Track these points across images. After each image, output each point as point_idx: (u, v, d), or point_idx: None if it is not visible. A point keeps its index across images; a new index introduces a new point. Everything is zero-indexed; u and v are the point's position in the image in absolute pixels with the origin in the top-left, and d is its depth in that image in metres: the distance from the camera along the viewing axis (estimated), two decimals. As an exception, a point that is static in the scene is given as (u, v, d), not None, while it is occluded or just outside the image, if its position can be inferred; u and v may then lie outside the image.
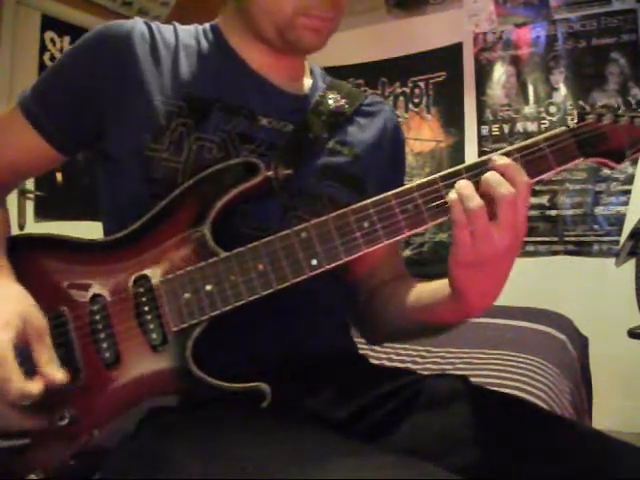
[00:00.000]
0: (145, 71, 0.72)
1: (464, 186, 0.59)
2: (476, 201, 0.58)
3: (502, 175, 0.59)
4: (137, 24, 0.75)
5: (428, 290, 0.73)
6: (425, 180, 0.62)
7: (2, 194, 0.80)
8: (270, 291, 0.61)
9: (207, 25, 0.81)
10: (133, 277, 0.64)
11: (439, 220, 0.62)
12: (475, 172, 0.61)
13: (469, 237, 0.58)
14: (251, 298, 0.61)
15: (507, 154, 0.63)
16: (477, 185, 0.59)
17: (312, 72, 0.86)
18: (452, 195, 0.59)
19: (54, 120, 0.74)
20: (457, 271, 0.62)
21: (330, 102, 0.81)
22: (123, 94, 0.71)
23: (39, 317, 0.61)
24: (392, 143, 0.87)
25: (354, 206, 0.62)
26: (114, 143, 0.72)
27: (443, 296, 0.68)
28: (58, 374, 0.59)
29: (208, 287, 0.62)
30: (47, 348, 0.60)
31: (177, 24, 0.81)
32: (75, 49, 0.75)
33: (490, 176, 0.59)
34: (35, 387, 0.57)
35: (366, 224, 0.62)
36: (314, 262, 0.61)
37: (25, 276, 0.66)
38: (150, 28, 0.76)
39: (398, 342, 1.47)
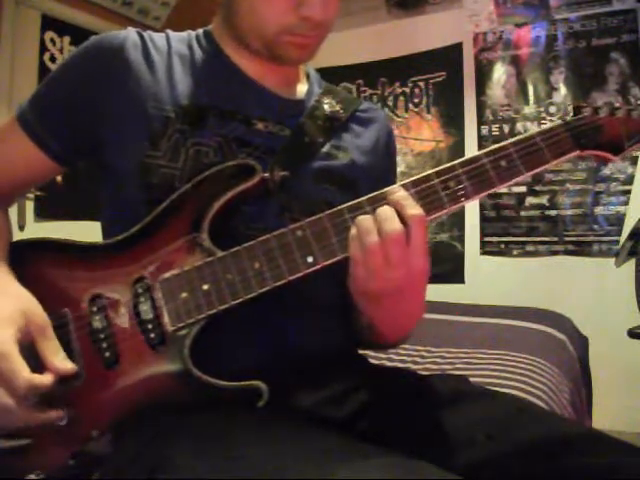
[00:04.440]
0: (139, 80, 0.72)
1: (362, 219, 0.58)
2: (372, 237, 0.56)
3: (395, 209, 0.57)
4: (130, 34, 0.76)
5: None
6: (419, 176, 0.63)
7: (3, 205, 0.80)
8: (266, 289, 0.62)
9: (200, 31, 0.82)
10: (132, 278, 0.65)
11: (434, 215, 0.62)
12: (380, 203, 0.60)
13: (364, 273, 0.58)
14: (248, 296, 0.62)
15: (503, 148, 0.63)
16: None
17: (308, 76, 0.87)
18: (353, 230, 0.59)
19: (50, 131, 0.74)
20: (358, 303, 0.63)
21: (326, 107, 0.81)
22: (119, 104, 0.72)
23: (40, 312, 0.62)
24: (385, 148, 0.88)
25: (349, 203, 0.63)
26: (112, 152, 0.73)
27: (364, 321, 0.70)
28: (66, 364, 0.60)
29: (205, 286, 0.62)
30: (51, 341, 0.61)
31: (170, 32, 0.81)
32: (70, 61, 0.76)
33: (380, 211, 0.58)
34: (45, 379, 0.58)
35: None
36: (310, 259, 0.62)
37: (26, 279, 0.66)
38: (142, 37, 0.77)
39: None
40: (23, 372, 0.56)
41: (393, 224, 0.56)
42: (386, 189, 0.61)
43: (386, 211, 0.57)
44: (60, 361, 0.60)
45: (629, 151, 0.66)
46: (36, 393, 0.58)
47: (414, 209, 0.57)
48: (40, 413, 0.60)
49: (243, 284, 0.62)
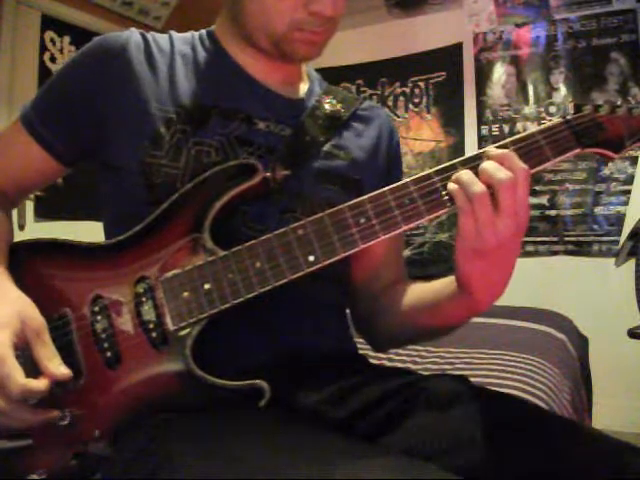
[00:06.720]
0: (142, 80, 0.72)
1: (464, 173, 0.59)
2: (478, 186, 0.58)
3: (499, 164, 0.59)
4: (132, 35, 0.76)
5: (432, 290, 0.74)
6: (420, 175, 0.63)
7: (7, 207, 0.80)
8: (268, 288, 0.62)
9: (203, 31, 0.82)
10: (134, 278, 0.65)
11: (436, 214, 0.62)
12: (471, 165, 0.61)
13: (474, 225, 0.58)
14: (249, 296, 0.61)
15: (502, 147, 0.63)
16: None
17: (309, 76, 0.87)
18: (452, 185, 0.60)
19: (54, 132, 0.75)
20: (463, 262, 0.62)
21: (326, 106, 0.81)
22: (121, 104, 0.72)
23: (36, 316, 0.62)
24: (388, 148, 0.88)
25: (351, 202, 0.63)
26: (114, 152, 0.73)
27: (449, 293, 0.68)
28: (61, 369, 0.59)
29: (207, 286, 0.62)
30: (47, 345, 0.60)
31: (173, 32, 0.81)
32: (72, 62, 0.76)
33: (487, 164, 0.59)
34: (39, 384, 0.57)
35: (362, 219, 0.62)
36: (311, 258, 0.62)
37: (27, 280, 0.66)
38: (145, 38, 0.77)
39: (401, 347, 1.47)
40: (17, 377, 0.56)
41: (505, 172, 0.58)
42: (481, 150, 0.62)
43: (493, 164, 0.59)
44: (56, 367, 0.59)
45: (630, 149, 0.66)
46: (31, 397, 0.57)
47: (519, 162, 0.59)
48: (39, 414, 0.60)
49: (244, 283, 0.62)
